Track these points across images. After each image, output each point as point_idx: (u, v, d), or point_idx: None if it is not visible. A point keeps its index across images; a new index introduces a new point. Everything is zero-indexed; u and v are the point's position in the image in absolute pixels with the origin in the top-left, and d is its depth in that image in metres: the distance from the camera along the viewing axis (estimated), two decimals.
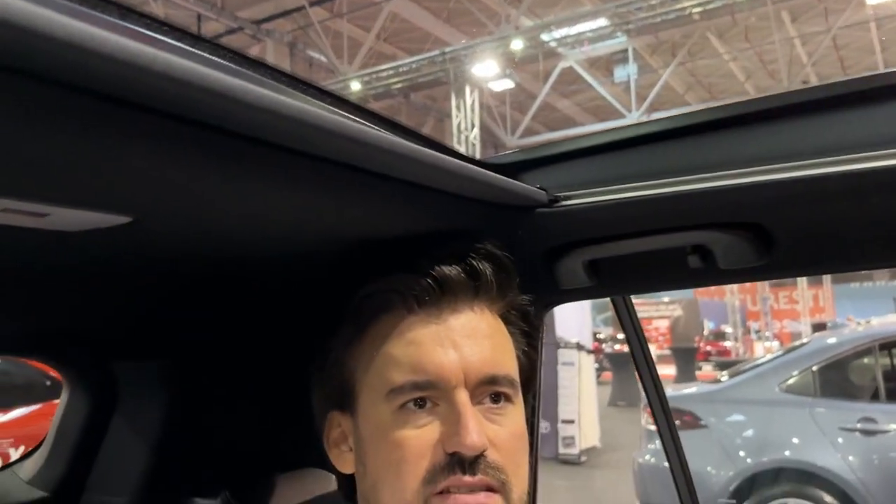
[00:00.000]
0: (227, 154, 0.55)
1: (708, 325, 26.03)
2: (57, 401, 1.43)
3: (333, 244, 0.81)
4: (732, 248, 0.90)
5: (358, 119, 0.63)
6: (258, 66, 0.61)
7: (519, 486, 0.70)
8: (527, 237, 0.94)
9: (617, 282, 1.05)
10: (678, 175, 0.86)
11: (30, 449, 1.48)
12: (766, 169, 0.81)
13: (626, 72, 14.50)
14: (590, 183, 0.92)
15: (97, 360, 1.33)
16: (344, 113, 0.63)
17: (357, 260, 0.79)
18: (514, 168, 0.95)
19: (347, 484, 0.79)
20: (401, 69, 14.16)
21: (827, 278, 30.16)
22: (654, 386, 1.40)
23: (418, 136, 0.72)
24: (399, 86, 14.75)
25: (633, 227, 0.92)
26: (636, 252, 0.96)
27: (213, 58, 0.54)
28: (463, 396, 0.68)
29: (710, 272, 0.94)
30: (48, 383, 4.91)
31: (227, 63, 0.55)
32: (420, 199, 0.74)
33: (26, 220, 0.59)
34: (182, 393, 1.29)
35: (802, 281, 28.26)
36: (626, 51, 14.23)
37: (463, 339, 0.71)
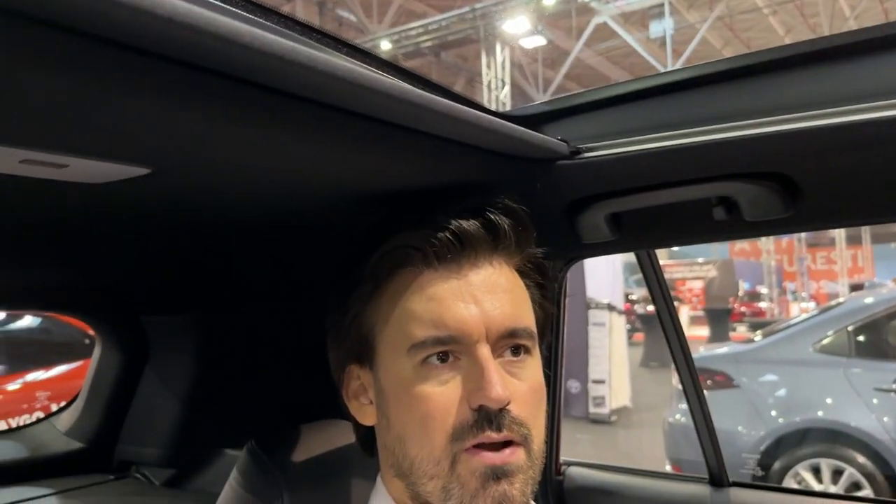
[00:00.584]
0: (243, 103, 0.55)
1: (743, 286, 25.64)
2: None
3: (352, 198, 0.80)
4: (758, 200, 0.88)
5: (371, 67, 0.62)
6: (270, 13, 0.60)
7: (538, 438, 0.72)
8: (547, 190, 0.93)
9: (640, 235, 1.04)
10: (703, 125, 0.84)
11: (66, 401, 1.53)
12: (793, 117, 0.78)
13: (663, 27, 14.07)
14: (612, 134, 0.90)
15: (127, 315, 1.36)
16: (357, 61, 0.63)
17: (376, 214, 0.79)
18: (535, 120, 0.93)
19: (365, 434, 0.81)
20: (430, 27, 13.97)
21: (867, 238, 29.52)
22: (678, 340, 1.39)
23: (434, 86, 0.72)
24: (429, 44, 14.57)
25: (657, 178, 0.91)
26: (660, 205, 0.94)
27: (226, 5, 0.54)
28: (485, 351, 0.69)
29: (735, 224, 0.93)
30: (87, 342, 5.03)
31: (240, 11, 0.55)
32: (437, 151, 0.74)
33: (47, 171, 0.60)
34: (209, 346, 1.31)
35: (841, 241, 27.70)
36: (662, 5, 13.81)
37: (483, 294, 0.72)
